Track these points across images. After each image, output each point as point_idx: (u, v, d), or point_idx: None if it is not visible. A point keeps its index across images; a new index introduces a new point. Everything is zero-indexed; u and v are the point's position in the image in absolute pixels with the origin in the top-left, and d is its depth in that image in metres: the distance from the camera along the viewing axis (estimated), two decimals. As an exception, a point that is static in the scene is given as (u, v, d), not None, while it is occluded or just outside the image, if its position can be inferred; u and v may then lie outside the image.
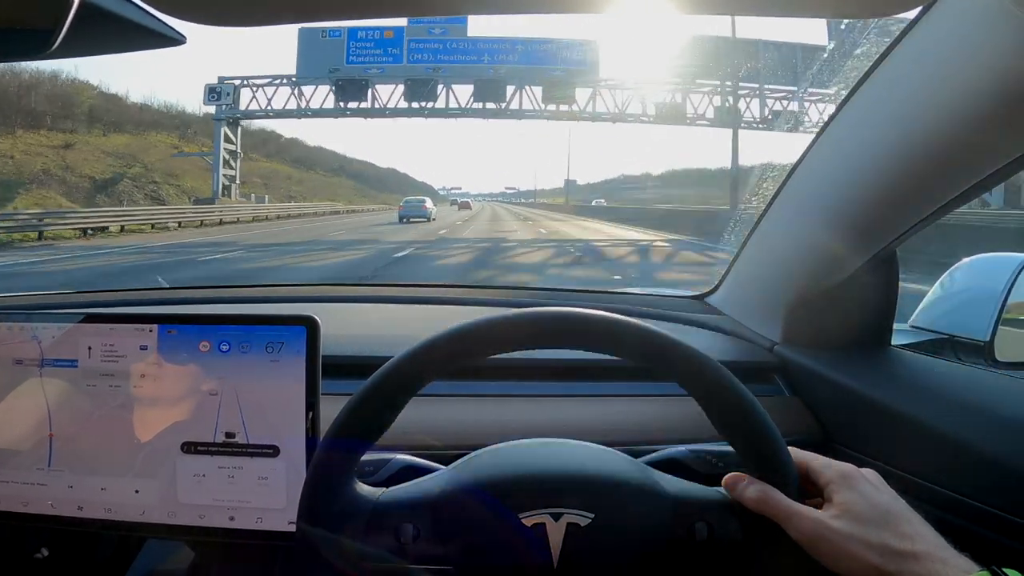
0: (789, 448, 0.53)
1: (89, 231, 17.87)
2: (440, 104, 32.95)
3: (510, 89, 32.75)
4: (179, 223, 22.55)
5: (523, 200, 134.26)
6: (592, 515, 0.51)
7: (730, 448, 0.55)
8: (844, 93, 0.76)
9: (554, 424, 0.81)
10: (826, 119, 0.81)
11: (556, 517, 0.51)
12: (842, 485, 0.50)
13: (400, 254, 12.40)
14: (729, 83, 31.15)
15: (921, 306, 0.89)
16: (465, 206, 60.85)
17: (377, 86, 33.06)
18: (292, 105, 33.65)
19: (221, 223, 24.59)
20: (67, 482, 0.69)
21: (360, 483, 0.54)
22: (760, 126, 31.25)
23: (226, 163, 34.04)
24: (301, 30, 32.16)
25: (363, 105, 33.01)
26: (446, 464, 0.58)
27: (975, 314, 0.81)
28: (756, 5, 0.54)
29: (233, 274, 9.64)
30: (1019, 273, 0.79)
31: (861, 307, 0.87)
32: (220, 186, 33.37)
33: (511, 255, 12.96)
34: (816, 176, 0.85)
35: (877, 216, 0.75)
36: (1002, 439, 0.64)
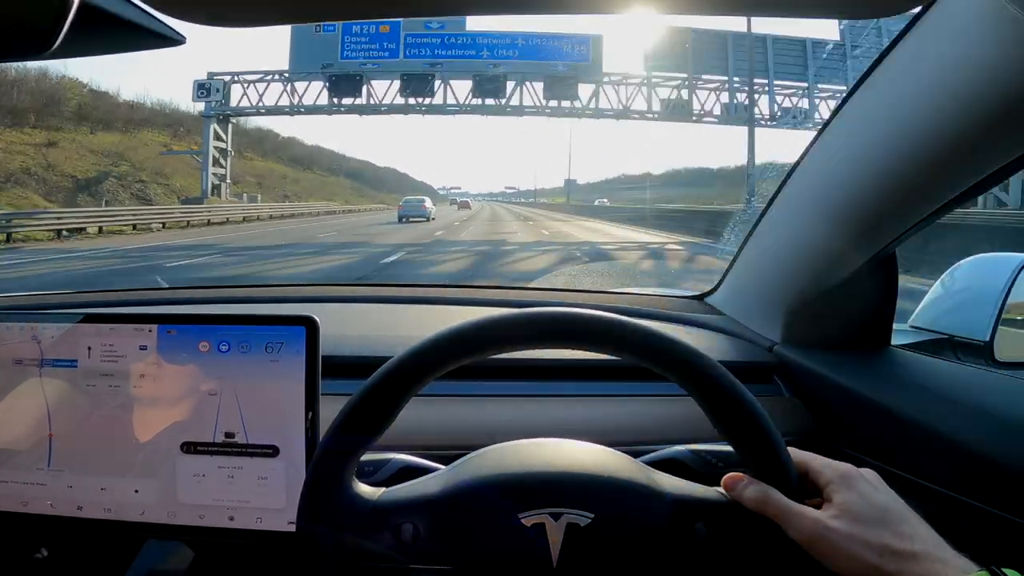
0: (788, 448, 0.54)
1: (64, 233, 17.43)
2: (438, 100, 32.90)
3: (510, 85, 32.60)
4: (163, 224, 22.26)
5: (523, 200, 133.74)
6: (592, 515, 0.52)
7: (730, 448, 0.56)
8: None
9: (554, 424, 0.82)
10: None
11: (556, 517, 0.52)
12: (841, 485, 0.52)
13: (388, 259, 11.82)
14: (737, 79, 31.09)
15: (921, 306, 0.90)
16: (464, 206, 60.95)
17: (373, 82, 32.95)
18: (284, 101, 33.47)
19: (209, 223, 24.33)
20: (67, 482, 0.71)
21: (360, 483, 0.55)
22: (770, 123, 31.19)
23: (216, 161, 33.87)
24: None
25: (358, 101, 32.84)
26: (446, 464, 0.59)
27: (975, 314, 0.82)
28: (756, 5, 0.56)
29: (197, 283, 9.17)
30: (1019, 273, 0.80)
31: (861, 307, 0.88)
32: (210, 185, 33.20)
33: (512, 261, 12.39)
34: (816, 176, 0.86)
35: (877, 216, 0.76)
36: (1002, 439, 0.65)
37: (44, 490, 0.71)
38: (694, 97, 32.73)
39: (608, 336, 0.54)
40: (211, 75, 33.21)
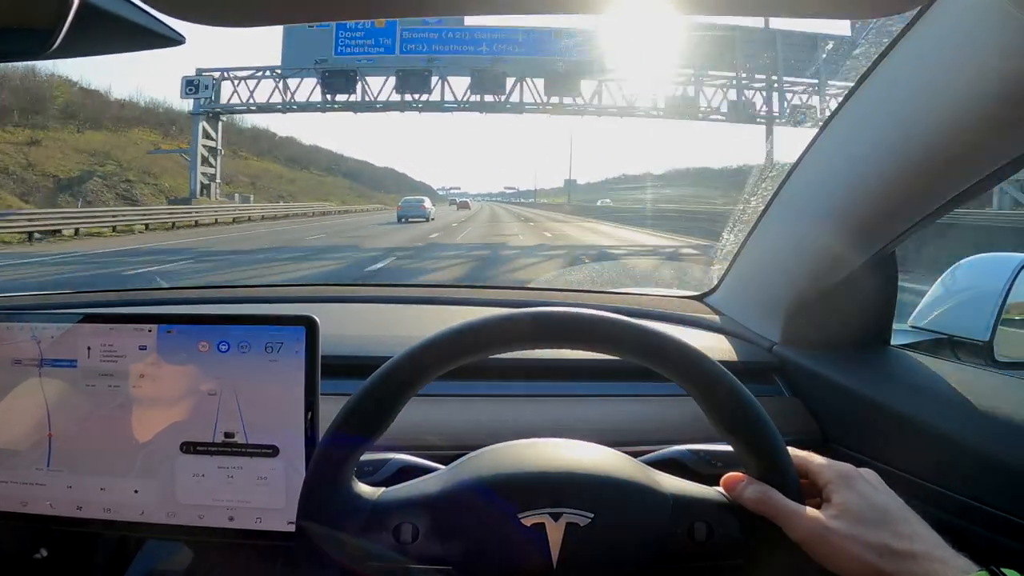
0: (788, 448, 0.56)
1: (36, 235, 17.14)
2: (435, 97, 32.89)
3: (510, 82, 32.58)
4: (146, 225, 21.95)
5: (523, 200, 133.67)
6: (591, 515, 0.54)
7: (730, 448, 0.58)
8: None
9: (554, 424, 0.84)
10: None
11: (555, 517, 0.53)
12: (841, 485, 0.53)
13: (375, 267, 11.18)
14: (745, 76, 31.10)
15: (921, 306, 0.91)
16: (464, 206, 61.06)
17: (368, 78, 32.95)
18: (276, 99, 33.48)
19: (196, 225, 24.07)
20: (66, 482, 0.72)
21: (359, 483, 0.57)
22: (779, 120, 31.18)
23: (205, 160, 33.82)
24: (287, 20, 31.90)
25: (352, 98, 32.88)
26: (445, 464, 0.61)
27: (975, 314, 0.83)
28: (756, 5, 0.57)
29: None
30: (1019, 273, 0.82)
31: (861, 307, 0.90)
32: (198, 185, 33.14)
33: (513, 266, 12.03)
34: (815, 176, 0.87)
35: (876, 216, 0.77)
36: (1001, 439, 0.66)
37: (43, 490, 0.72)
38: (701, 94, 32.77)
39: (608, 336, 0.55)
40: (200, 71, 33.17)
